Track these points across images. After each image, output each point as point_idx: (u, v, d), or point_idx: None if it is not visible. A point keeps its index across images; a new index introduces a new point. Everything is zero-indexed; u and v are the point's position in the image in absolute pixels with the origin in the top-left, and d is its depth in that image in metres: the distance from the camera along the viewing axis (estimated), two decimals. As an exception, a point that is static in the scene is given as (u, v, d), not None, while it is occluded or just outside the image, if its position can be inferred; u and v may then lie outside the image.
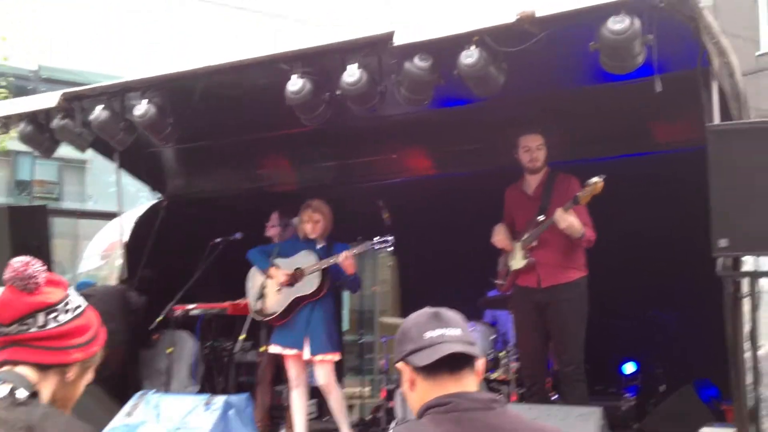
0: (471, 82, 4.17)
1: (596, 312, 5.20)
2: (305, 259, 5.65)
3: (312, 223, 5.67)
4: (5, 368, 1.80)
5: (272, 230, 6.44)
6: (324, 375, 5.56)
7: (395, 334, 1.99)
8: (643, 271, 6.52)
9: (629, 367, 6.67)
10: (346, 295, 10.19)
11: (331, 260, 5.52)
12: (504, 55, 4.10)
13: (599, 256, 5.21)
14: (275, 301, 5.68)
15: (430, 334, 1.84)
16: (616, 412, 6.04)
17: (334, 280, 5.66)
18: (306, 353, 5.53)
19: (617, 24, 3.66)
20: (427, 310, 1.91)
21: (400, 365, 1.91)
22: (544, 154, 5.28)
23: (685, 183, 4.93)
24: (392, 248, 5.43)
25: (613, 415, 5.76)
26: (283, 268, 5.68)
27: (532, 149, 5.25)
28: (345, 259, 5.43)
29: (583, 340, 5.11)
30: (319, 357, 5.52)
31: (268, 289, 5.71)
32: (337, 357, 5.67)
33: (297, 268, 5.64)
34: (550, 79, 5.10)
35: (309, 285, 5.57)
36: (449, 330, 1.85)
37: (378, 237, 5.41)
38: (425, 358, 1.82)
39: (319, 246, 5.71)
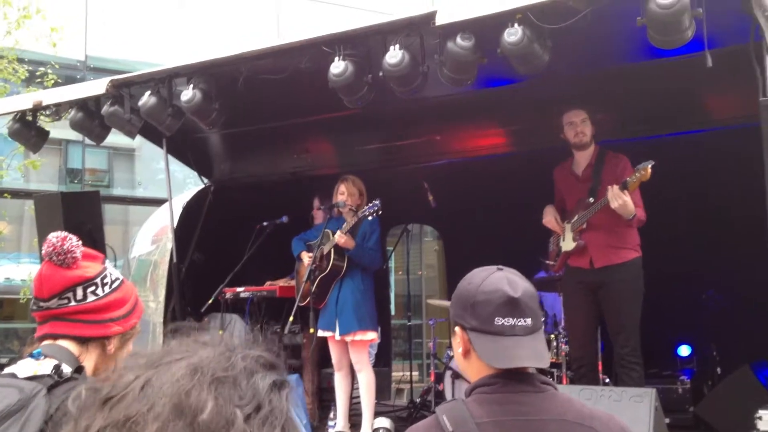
0: (515, 61, 4.11)
1: (650, 293, 5.12)
2: (325, 239, 5.69)
3: (340, 195, 5.69)
4: (46, 342, 1.82)
5: (317, 213, 6.50)
6: (354, 352, 5.56)
7: (449, 308, 1.90)
8: (698, 252, 6.40)
9: (684, 350, 6.57)
10: (392, 280, 10.23)
11: (332, 241, 5.54)
12: (548, 32, 4.03)
13: (652, 237, 5.13)
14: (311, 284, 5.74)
15: (500, 321, 1.75)
16: (672, 395, 5.97)
17: (348, 254, 5.64)
18: (337, 333, 5.55)
19: (665, -2, 3.56)
20: (498, 278, 1.80)
21: (456, 329, 1.84)
22: (590, 128, 5.18)
23: (739, 160, 4.82)
24: (380, 211, 5.36)
25: (669, 399, 5.71)
26: (314, 252, 5.72)
27: (577, 123, 5.17)
28: (339, 237, 5.47)
29: (638, 323, 5.01)
30: (349, 337, 5.52)
31: (305, 274, 5.76)
32: (369, 335, 5.59)
33: (320, 250, 5.69)
34: (597, 57, 5.00)
35: (326, 264, 5.63)
36: (521, 321, 1.75)
37: (367, 206, 5.42)
38: (490, 357, 1.75)
39: (345, 224, 5.70)
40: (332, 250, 5.59)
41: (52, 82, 10.74)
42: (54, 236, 1.85)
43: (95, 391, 0.84)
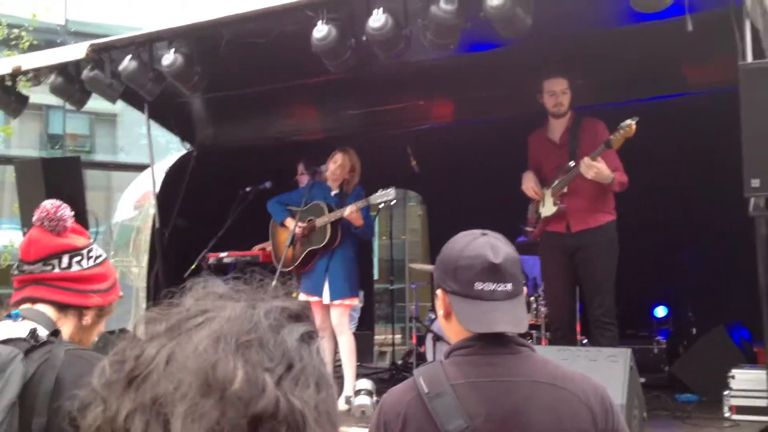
0: (498, 24, 4.12)
1: (627, 256, 5.20)
2: (316, 210, 5.70)
3: (332, 163, 5.69)
4: (25, 306, 1.83)
5: (302, 178, 6.50)
6: (337, 315, 5.63)
7: (433, 271, 1.93)
8: (674, 214, 6.50)
9: (660, 311, 6.69)
10: (375, 245, 10.28)
11: (338, 213, 5.56)
12: (531, -4, 4.04)
13: (629, 200, 5.19)
14: (294, 251, 5.76)
15: (480, 286, 1.77)
16: (648, 355, 6.10)
17: (347, 229, 5.68)
18: (326, 298, 5.62)
19: (647, -39, 3.58)
20: (481, 243, 1.81)
21: (438, 291, 1.87)
22: (568, 98, 5.21)
23: (718, 125, 4.87)
24: (394, 200, 5.48)
25: (645, 359, 5.83)
26: (297, 218, 5.72)
27: (557, 93, 5.19)
28: (350, 213, 5.47)
29: (613, 284, 5.11)
30: (337, 302, 5.61)
31: (286, 239, 5.78)
32: (354, 302, 5.84)
33: (309, 220, 5.70)
34: (579, 21, 5.01)
35: (321, 237, 5.64)
36: (501, 286, 1.77)
37: (380, 190, 5.45)
38: (468, 321, 1.78)
39: (333, 193, 5.73)
40: (329, 225, 5.61)
41: (27, 44, 10.59)
42: (49, 203, 1.88)
43: (119, 365, 0.78)
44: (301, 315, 0.83)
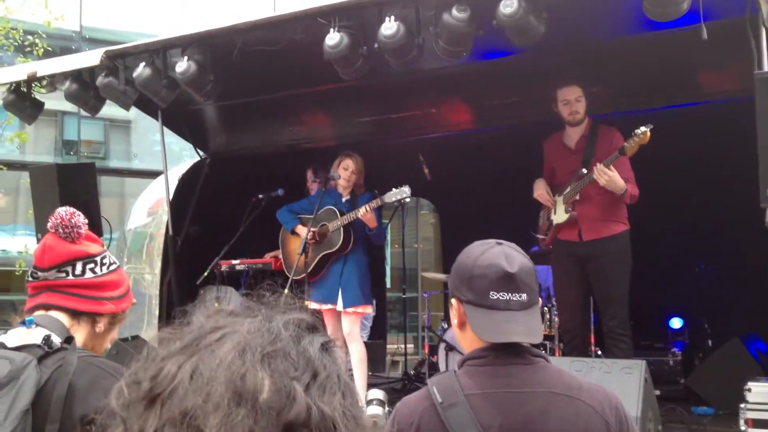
0: (511, 32, 4.10)
1: (643, 266, 5.15)
2: (328, 215, 5.67)
3: (343, 170, 5.67)
4: (38, 312, 1.84)
5: (312, 186, 6.50)
6: (348, 323, 5.61)
7: (448, 279, 1.92)
8: (689, 225, 6.44)
9: (676, 322, 6.62)
10: (388, 253, 10.26)
11: (352, 215, 5.52)
12: (544, 4, 4.02)
13: (644, 210, 5.15)
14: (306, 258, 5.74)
15: (495, 295, 1.76)
16: (663, 367, 6.03)
17: (359, 234, 5.66)
18: (339, 305, 5.59)
19: (661, -31, 3.56)
20: (496, 253, 1.80)
21: (453, 301, 1.86)
22: (584, 105, 5.18)
23: (733, 134, 4.82)
24: (408, 198, 5.31)
25: (660, 370, 5.77)
26: (310, 225, 5.70)
27: (571, 101, 5.17)
28: (364, 214, 5.44)
29: (626, 295, 5.05)
30: (350, 309, 5.59)
31: (297, 247, 5.76)
32: (367, 309, 5.81)
33: (322, 224, 5.67)
34: (593, 29, 4.99)
35: (334, 241, 5.62)
36: (516, 296, 1.76)
37: (393, 189, 5.33)
38: (483, 330, 1.76)
39: (344, 199, 5.72)
40: (341, 229, 5.59)
41: (42, 50, 10.67)
42: (63, 210, 1.89)
43: (137, 385, 0.79)
44: (316, 325, 0.86)
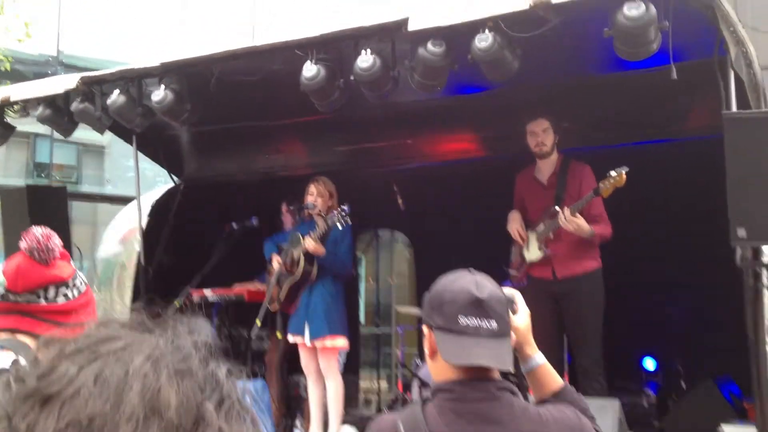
0: (485, 67, 4.16)
1: (616, 307, 5.16)
2: (296, 241, 5.59)
3: (309, 196, 5.61)
4: (5, 336, 1.82)
5: (286, 218, 6.47)
6: (323, 359, 5.50)
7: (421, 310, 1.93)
8: (662, 264, 6.45)
9: (649, 363, 6.58)
10: (362, 288, 10.20)
11: (304, 244, 5.43)
12: (518, 40, 4.08)
13: (616, 248, 5.18)
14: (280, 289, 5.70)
15: (465, 321, 1.76)
16: (638, 409, 5.98)
17: (319, 262, 5.55)
18: (307, 338, 5.49)
19: (632, 10, 3.63)
20: (467, 280, 1.81)
21: (425, 329, 1.86)
22: (551, 138, 5.22)
23: (703, 172, 4.89)
24: (348, 218, 5.20)
25: (635, 412, 5.72)
26: (282, 255, 5.65)
27: (538, 133, 5.22)
28: (308, 244, 5.37)
29: (600, 333, 5.06)
30: (319, 343, 5.45)
31: (275, 278, 5.72)
32: (339, 341, 5.52)
33: (290, 254, 5.61)
34: (565, 66, 5.07)
35: (297, 271, 5.54)
36: (485, 322, 1.76)
37: (335, 211, 5.27)
38: (450, 354, 1.76)
39: (316, 226, 5.62)
40: (302, 256, 5.51)
41: (8, 65, 10.62)
42: (39, 232, 1.85)
43: (23, 383, 0.76)
44: (223, 352, 0.84)
